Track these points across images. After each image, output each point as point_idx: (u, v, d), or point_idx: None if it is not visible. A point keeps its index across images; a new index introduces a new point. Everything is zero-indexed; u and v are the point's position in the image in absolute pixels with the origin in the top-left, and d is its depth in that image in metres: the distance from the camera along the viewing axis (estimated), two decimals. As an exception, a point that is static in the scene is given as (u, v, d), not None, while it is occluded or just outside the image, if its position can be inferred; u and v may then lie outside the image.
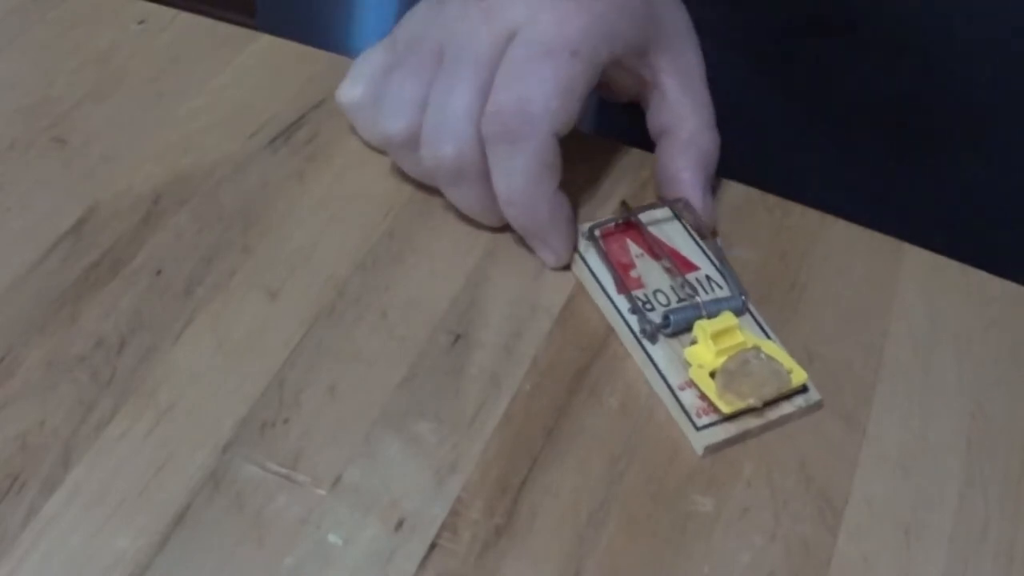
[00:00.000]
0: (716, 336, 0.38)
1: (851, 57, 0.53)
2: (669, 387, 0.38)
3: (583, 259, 0.42)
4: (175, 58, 0.50)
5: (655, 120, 0.44)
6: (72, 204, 0.44)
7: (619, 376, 0.39)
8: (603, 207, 0.44)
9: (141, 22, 0.52)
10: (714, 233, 0.44)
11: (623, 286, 0.40)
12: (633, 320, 0.40)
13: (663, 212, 0.43)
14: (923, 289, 0.43)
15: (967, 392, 0.39)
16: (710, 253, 0.42)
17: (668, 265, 0.41)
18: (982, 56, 0.51)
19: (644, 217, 0.43)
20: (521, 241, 0.43)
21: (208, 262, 0.42)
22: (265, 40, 0.51)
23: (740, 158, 0.46)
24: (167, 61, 0.50)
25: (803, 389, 0.38)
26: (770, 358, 0.38)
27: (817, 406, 0.38)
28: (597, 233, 0.42)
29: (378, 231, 0.43)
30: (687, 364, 0.38)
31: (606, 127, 0.48)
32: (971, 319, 0.42)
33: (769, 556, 0.35)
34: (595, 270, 0.41)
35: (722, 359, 0.38)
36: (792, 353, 0.40)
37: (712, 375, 0.38)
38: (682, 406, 0.38)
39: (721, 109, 0.44)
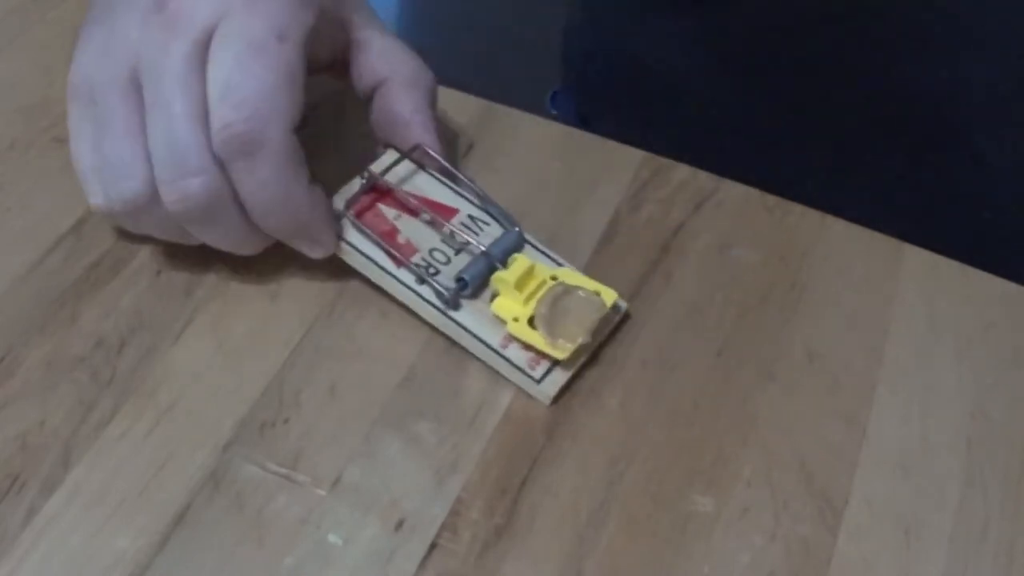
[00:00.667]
0: (518, 284, 0.37)
1: (853, 56, 0.52)
2: (491, 348, 0.37)
3: (347, 242, 0.39)
4: (175, 58, 0.50)
5: (365, 75, 0.42)
6: (72, 204, 0.44)
7: (620, 375, 0.39)
8: (601, 208, 0.44)
9: (141, 22, 0.52)
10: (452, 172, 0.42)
11: (398, 258, 0.39)
12: (426, 291, 0.38)
13: (404, 166, 0.41)
14: (923, 289, 0.43)
15: (967, 392, 0.39)
16: (464, 192, 0.41)
17: (429, 218, 0.40)
18: (983, 54, 0.51)
19: (389, 177, 0.41)
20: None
21: (208, 262, 0.42)
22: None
23: (741, 158, 0.47)
24: (167, 61, 0.50)
25: (615, 306, 0.38)
26: (577, 287, 0.37)
27: (628, 314, 0.38)
28: (351, 211, 0.40)
29: (378, 231, 0.43)
30: (499, 320, 0.37)
31: (597, 126, 0.48)
32: (971, 319, 0.42)
33: (769, 556, 0.35)
34: (364, 250, 0.39)
35: (532, 304, 0.37)
36: (792, 353, 0.40)
37: (531, 323, 0.37)
38: (513, 364, 0.37)
39: (721, 108, 0.44)
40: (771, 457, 0.37)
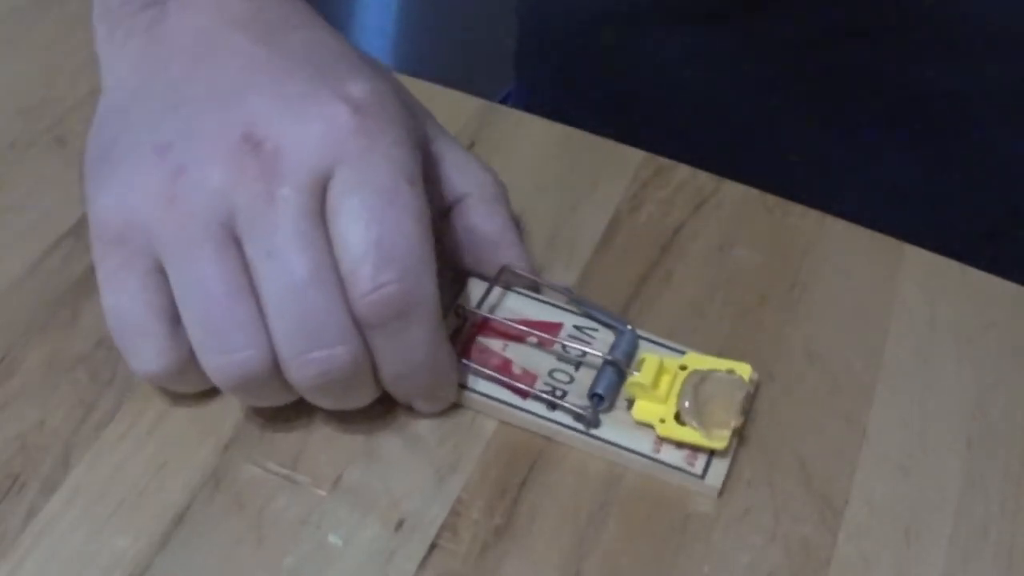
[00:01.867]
0: (654, 384, 0.36)
1: (872, 61, 0.52)
2: (644, 456, 0.36)
3: (465, 387, 0.37)
4: (175, 58, 0.50)
5: (444, 189, 0.38)
6: (72, 204, 0.43)
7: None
8: (601, 208, 0.44)
9: (141, 22, 0.52)
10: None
11: (523, 390, 0.37)
12: (561, 416, 0.36)
13: (495, 293, 0.39)
14: (923, 289, 0.43)
15: (967, 392, 0.39)
16: (560, 304, 0.39)
17: (536, 340, 0.38)
18: (1006, 56, 0.50)
19: (483, 306, 0.38)
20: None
21: (208, 262, 0.42)
22: (265, 40, 0.51)
23: (746, 158, 0.46)
24: (167, 61, 0.50)
25: (752, 379, 0.37)
26: (712, 370, 0.36)
27: (758, 383, 0.37)
28: (463, 360, 0.37)
29: (378, 231, 0.43)
30: (642, 425, 0.36)
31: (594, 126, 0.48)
32: (971, 319, 0.42)
33: (769, 556, 0.35)
34: (486, 391, 0.37)
35: (672, 401, 0.36)
36: (792, 353, 0.40)
37: (676, 419, 0.35)
38: (671, 466, 0.36)
39: (731, 112, 0.43)
40: (771, 457, 0.37)
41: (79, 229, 0.43)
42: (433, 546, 0.35)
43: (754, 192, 0.46)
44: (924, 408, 0.39)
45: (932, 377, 0.40)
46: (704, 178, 0.46)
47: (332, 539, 0.35)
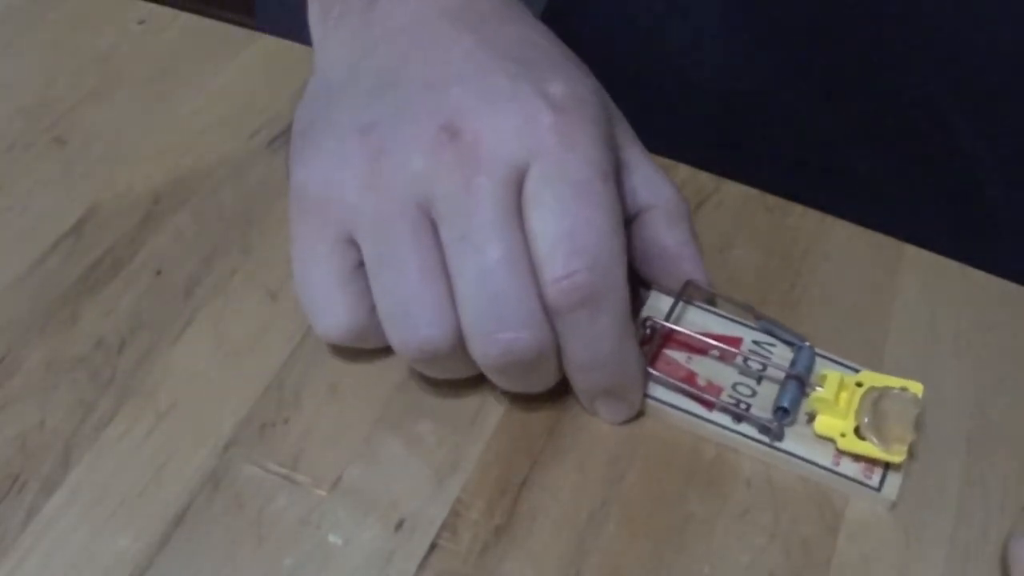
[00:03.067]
0: (835, 398, 0.37)
1: (847, 62, 0.52)
2: (824, 468, 0.36)
3: (652, 397, 0.38)
4: (175, 58, 0.50)
5: (628, 199, 0.39)
6: (72, 204, 0.44)
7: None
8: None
9: (141, 22, 0.52)
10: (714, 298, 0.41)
11: (710, 401, 0.37)
12: (746, 428, 0.37)
13: (679, 306, 0.39)
14: (923, 289, 0.43)
15: (967, 392, 0.39)
16: (741, 319, 0.40)
17: (718, 353, 0.39)
18: (977, 58, 0.50)
19: (668, 319, 0.39)
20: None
21: (208, 262, 0.42)
22: (265, 40, 0.51)
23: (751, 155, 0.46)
24: (167, 61, 0.50)
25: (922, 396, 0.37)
26: (887, 387, 0.37)
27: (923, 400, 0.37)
28: (648, 370, 0.38)
29: (378, 231, 0.43)
30: (822, 439, 0.37)
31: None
32: (971, 319, 0.42)
33: (769, 556, 0.35)
34: (673, 402, 0.38)
35: (851, 416, 0.36)
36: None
37: (857, 435, 0.36)
38: (849, 478, 0.36)
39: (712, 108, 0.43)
40: (771, 457, 0.37)
41: (79, 229, 0.43)
42: (433, 546, 0.35)
43: (754, 192, 0.46)
44: (924, 408, 0.39)
45: (932, 377, 0.40)
46: (704, 178, 0.46)
47: (332, 539, 0.35)
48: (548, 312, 0.34)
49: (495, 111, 0.34)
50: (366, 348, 0.38)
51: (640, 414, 0.38)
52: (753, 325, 0.40)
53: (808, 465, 0.37)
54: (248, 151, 0.46)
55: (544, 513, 0.36)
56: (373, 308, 0.36)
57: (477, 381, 0.39)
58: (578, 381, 0.36)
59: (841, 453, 0.36)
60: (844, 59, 0.51)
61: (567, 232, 0.33)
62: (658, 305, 0.39)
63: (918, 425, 0.36)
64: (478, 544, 0.35)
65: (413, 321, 0.34)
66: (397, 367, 0.39)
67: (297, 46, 0.51)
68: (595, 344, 0.35)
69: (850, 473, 0.36)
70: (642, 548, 0.35)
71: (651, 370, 0.38)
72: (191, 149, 0.46)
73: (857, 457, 0.36)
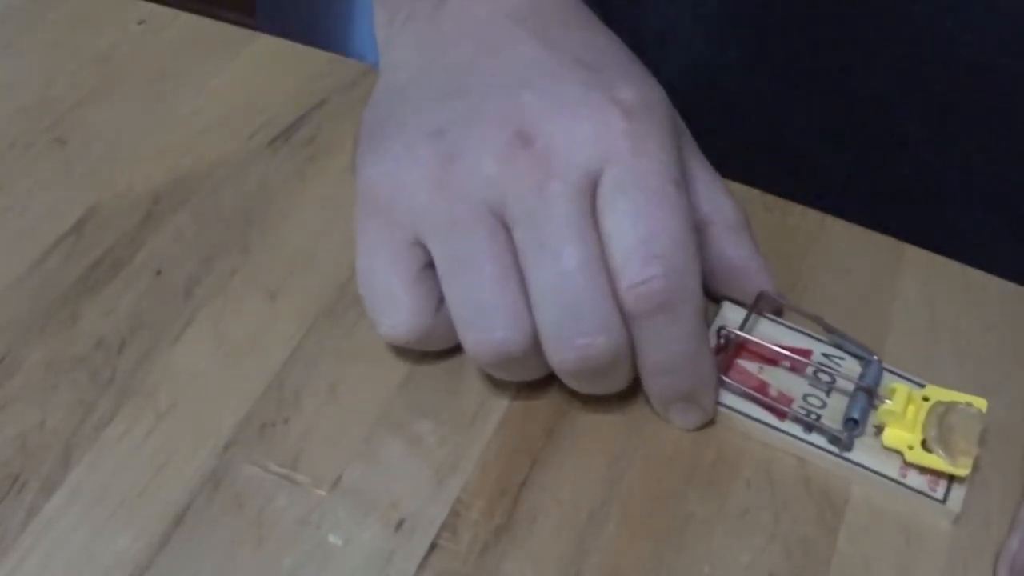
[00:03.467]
0: (904, 412, 0.37)
1: (807, 59, 0.53)
2: (891, 480, 0.37)
3: (724, 405, 0.38)
4: (175, 58, 0.50)
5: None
6: (72, 204, 0.44)
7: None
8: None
9: (141, 22, 0.52)
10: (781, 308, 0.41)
11: (781, 411, 0.38)
12: (817, 439, 0.37)
13: (752, 317, 0.40)
14: (923, 289, 0.43)
15: (967, 392, 0.39)
16: (807, 331, 0.40)
17: (789, 364, 0.39)
18: (932, 63, 0.51)
19: (742, 332, 0.39)
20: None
21: (208, 262, 0.42)
22: (265, 40, 0.51)
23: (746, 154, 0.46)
24: (167, 61, 0.50)
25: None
26: (953, 402, 0.37)
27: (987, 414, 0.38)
28: (722, 378, 0.38)
29: (378, 231, 0.43)
30: (890, 451, 0.37)
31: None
32: (971, 319, 0.42)
33: (769, 556, 0.35)
34: (745, 411, 0.38)
35: (919, 430, 0.37)
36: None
37: (923, 448, 0.37)
38: (915, 490, 0.36)
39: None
40: (771, 457, 0.37)
41: (79, 229, 0.43)
42: (433, 546, 0.35)
43: (755, 192, 0.46)
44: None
45: (932, 377, 0.40)
46: (704, 178, 0.46)
47: (332, 539, 0.35)
48: (624, 317, 0.34)
49: (567, 117, 0.34)
50: (430, 349, 0.38)
51: (711, 422, 0.38)
52: (822, 338, 0.40)
53: (876, 477, 0.37)
54: (248, 151, 0.46)
55: (544, 513, 0.36)
56: (437, 310, 0.36)
57: (477, 381, 0.39)
58: (653, 386, 0.36)
59: (908, 465, 0.37)
60: (810, 54, 0.51)
61: (643, 238, 0.33)
62: (730, 315, 0.40)
63: (982, 440, 0.37)
64: (478, 544, 0.35)
65: (489, 324, 0.34)
66: (397, 367, 0.39)
67: (297, 46, 0.51)
68: (671, 349, 0.35)
69: (916, 485, 0.36)
70: (642, 548, 0.35)
71: (724, 378, 0.38)
72: (191, 149, 0.46)
73: (923, 470, 0.37)
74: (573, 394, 0.38)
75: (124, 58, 0.50)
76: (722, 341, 0.39)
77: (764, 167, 0.46)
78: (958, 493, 0.36)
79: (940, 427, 0.37)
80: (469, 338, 0.35)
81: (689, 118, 0.44)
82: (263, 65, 0.50)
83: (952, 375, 0.40)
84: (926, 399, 0.38)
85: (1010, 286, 0.43)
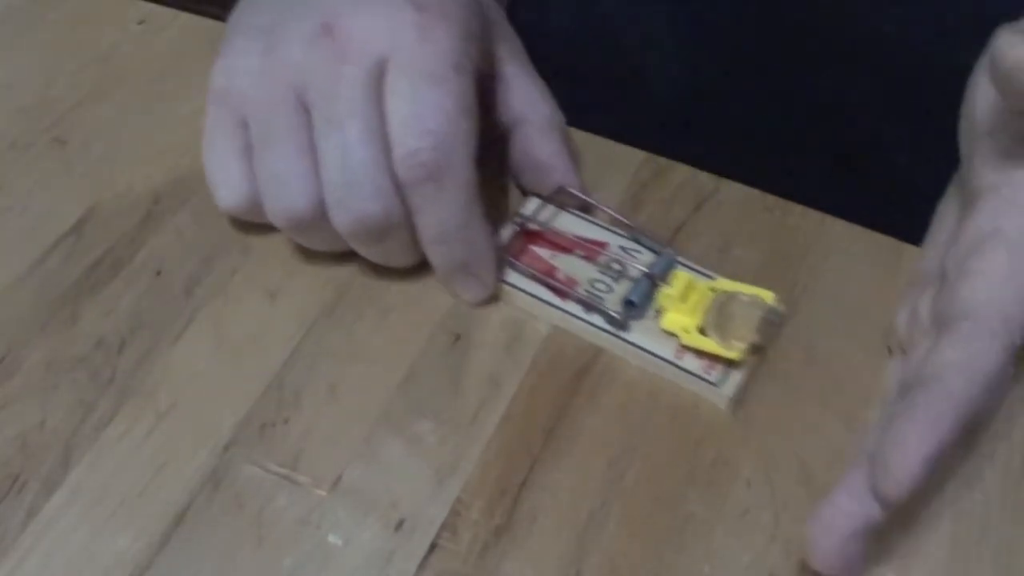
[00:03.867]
0: (683, 298, 0.39)
1: (778, 66, 0.53)
2: (667, 361, 0.39)
3: (509, 284, 0.41)
4: (175, 58, 0.50)
5: (504, 113, 0.43)
6: (72, 204, 0.44)
7: (619, 376, 0.39)
8: (604, 205, 0.44)
9: (141, 22, 0.52)
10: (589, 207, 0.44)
11: (563, 291, 0.40)
12: (595, 318, 0.40)
13: (550, 208, 0.43)
14: (923, 289, 0.43)
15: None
16: (609, 226, 0.43)
17: (583, 253, 0.41)
18: (903, 70, 0.51)
19: (537, 220, 0.42)
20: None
21: (208, 262, 0.42)
22: (265, 40, 0.51)
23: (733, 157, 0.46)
24: (167, 61, 0.50)
25: (774, 308, 0.40)
26: (737, 292, 0.39)
27: (784, 315, 0.40)
28: (507, 253, 0.41)
29: (378, 231, 0.43)
30: (667, 334, 0.39)
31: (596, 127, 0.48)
32: (971, 319, 0.42)
33: (769, 556, 0.35)
34: (527, 288, 0.41)
35: (698, 315, 0.39)
36: (792, 353, 0.40)
37: (700, 332, 0.39)
38: (690, 372, 0.38)
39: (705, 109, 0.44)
40: (771, 457, 0.37)
41: (79, 229, 0.43)
42: (433, 546, 0.35)
43: (755, 192, 0.46)
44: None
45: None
46: (704, 178, 0.46)
47: (332, 539, 0.35)
48: (399, 187, 0.38)
49: (365, 11, 0.38)
50: (259, 221, 0.41)
51: (496, 298, 0.41)
52: (623, 233, 0.42)
53: (652, 359, 0.39)
54: (248, 151, 0.46)
55: (544, 513, 0.36)
56: None
57: (477, 381, 0.39)
58: (432, 256, 0.40)
59: (685, 349, 0.39)
60: (781, 59, 0.53)
61: (416, 114, 0.37)
62: (531, 207, 0.43)
63: (767, 331, 0.39)
64: (478, 544, 0.35)
65: (283, 192, 0.38)
66: (397, 367, 0.39)
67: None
68: (441, 218, 0.38)
69: (691, 368, 0.39)
70: (642, 548, 0.35)
71: (511, 259, 0.41)
72: (191, 149, 0.46)
73: (700, 354, 0.39)
74: (573, 394, 0.38)
75: (124, 58, 0.50)
76: (518, 227, 0.42)
77: (744, 167, 0.47)
78: (734, 379, 0.38)
79: (720, 314, 0.39)
80: (268, 205, 0.39)
81: (671, 117, 0.44)
82: (263, 65, 0.50)
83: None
84: (713, 290, 0.39)
85: (1010, 286, 0.43)
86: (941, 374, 0.33)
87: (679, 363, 0.39)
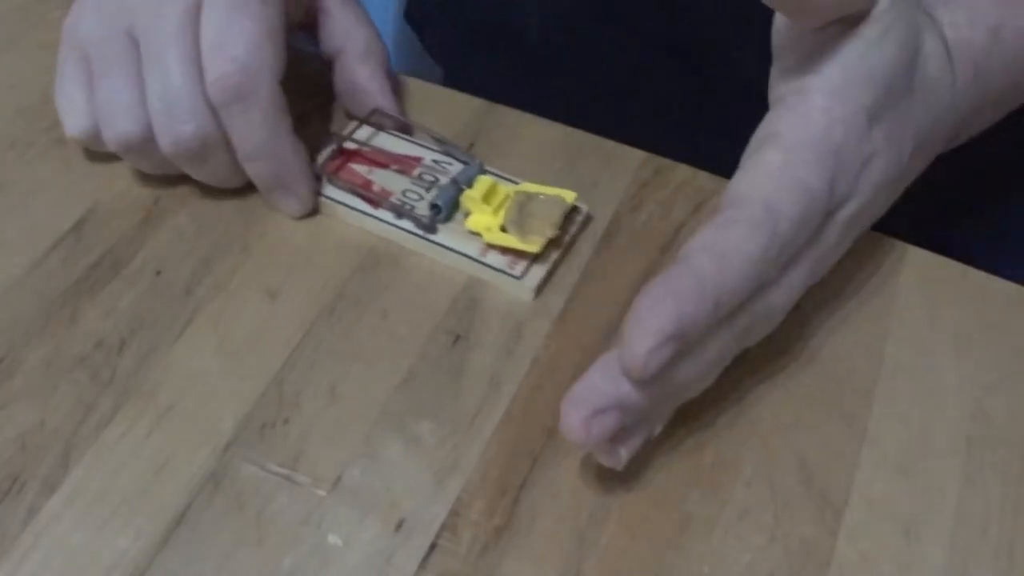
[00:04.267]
0: (486, 199, 0.42)
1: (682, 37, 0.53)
2: (472, 259, 0.42)
3: (326, 197, 0.44)
4: (175, 58, 0.50)
5: (327, 43, 0.47)
6: (72, 204, 0.44)
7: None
8: (601, 208, 0.44)
9: (141, 22, 0.52)
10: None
11: (376, 200, 0.43)
12: (406, 224, 0.43)
13: (368, 130, 0.46)
14: (923, 289, 0.43)
15: (967, 392, 0.39)
16: (424, 143, 0.46)
17: (398, 168, 0.44)
18: None
19: (355, 139, 0.45)
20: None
21: (208, 262, 0.42)
22: (265, 40, 0.51)
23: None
24: (167, 61, 0.50)
25: (576, 207, 0.43)
26: (539, 193, 0.42)
27: (588, 215, 0.44)
28: (326, 171, 0.44)
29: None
30: (473, 234, 0.42)
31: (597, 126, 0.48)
32: (971, 319, 0.42)
33: (769, 556, 0.35)
34: (345, 200, 0.43)
35: (501, 215, 0.42)
36: (792, 353, 0.40)
37: (502, 230, 0.41)
38: (494, 268, 0.41)
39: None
40: (771, 457, 0.37)
41: (79, 229, 0.43)
42: (433, 546, 0.35)
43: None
44: (924, 408, 0.39)
45: (932, 377, 0.40)
46: (704, 178, 0.46)
47: (332, 539, 0.35)
48: (213, 109, 0.41)
49: None
50: (102, 150, 0.44)
51: (316, 212, 0.44)
52: (437, 148, 0.45)
53: (459, 258, 0.42)
54: (248, 151, 0.46)
55: (544, 513, 0.36)
56: None
57: (477, 381, 0.39)
58: (249, 171, 0.43)
59: (489, 247, 0.42)
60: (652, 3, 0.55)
61: (222, 41, 0.41)
62: (349, 128, 0.46)
63: (564, 225, 0.42)
64: (478, 544, 0.35)
65: (116, 119, 0.42)
66: (397, 367, 0.39)
67: (297, 46, 0.51)
68: (250, 135, 0.41)
69: (495, 264, 0.42)
70: (642, 548, 0.35)
71: (327, 175, 0.44)
72: (191, 149, 0.46)
73: (505, 251, 0.42)
74: (573, 394, 0.38)
75: (124, 58, 0.50)
76: (335, 147, 0.45)
77: (626, 115, 0.49)
78: (537, 272, 0.41)
79: (520, 213, 0.42)
80: (104, 131, 0.42)
81: (549, 65, 0.48)
82: (263, 65, 0.50)
83: (952, 375, 0.40)
84: (517, 193, 0.42)
85: (1010, 286, 0.43)
86: (691, 255, 0.34)
87: (484, 260, 0.41)
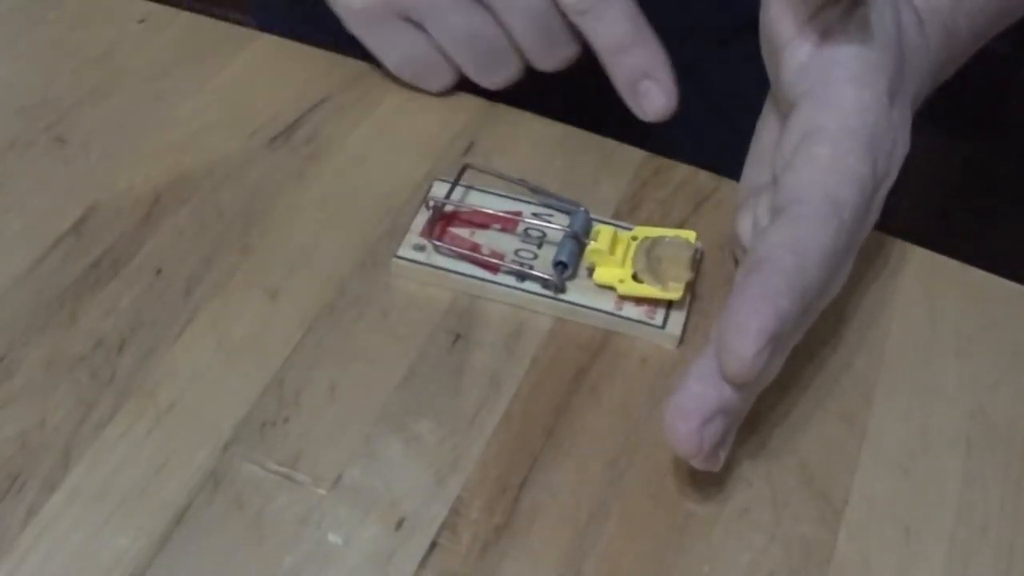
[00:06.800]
0: (611, 250, 0.40)
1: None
2: (608, 314, 0.40)
3: (439, 268, 0.41)
4: (175, 58, 0.50)
5: None
6: (72, 204, 0.44)
7: (620, 375, 0.39)
8: (601, 208, 0.44)
9: (141, 22, 0.52)
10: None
11: (493, 265, 0.41)
12: (531, 286, 0.41)
13: (460, 192, 0.44)
14: (924, 289, 0.43)
15: (967, 392, 0.39)
16: (518, 196, 0.44)
17: (500, 226, 0.43)
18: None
19: (450, 201, 0.43)
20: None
21: (208, 262, 0.42)
22: (265, 40, 0.51)
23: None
24: (167, 61, 0.50)
25: (697, 244, 0.41)
26: (661, 237, 0.41)
27: (701, 251, 0.42)
28: (431, 237, 0.42)
29: (378, 230, 0.43)
30: (604, 288, 0.40)
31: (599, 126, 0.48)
32: (971, 319, 0.42)
33: (769, 556, 0.35)
34: (458, 269, 0.41)
35: (628, 265, 0.40)
36: (792, 353, 0.40)
37: (635, 280, 0.40)
38: (633, 320, 0.40)
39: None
40: (771, 457, 0.37)
41: (79, 229, 0.43)
42: (433, 546, 0.35)
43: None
44: (924, 408, 0.39)
45: (932, 377, 0.40)
46: (704, 177, 0.46)
47: (332, 539, 0.35)
48: (572, 18, 0.43)
49: None
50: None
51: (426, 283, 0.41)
52: (533, 200, 0.44)
53: (594, 314, 0.40)
54: (248, 150, 0.46)
55: (544, 513, 0.36)
56: None
57: (477, 381, 0.39)
58: (615, 67, 0.44)
59: (623, 299, 0.40)
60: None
61: None
62: (440, 191, 0.43)
63: (695, 267, 0.41)
64: (478, 544, 0.35)
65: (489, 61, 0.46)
66: (397, 367, 0.39)
67: (297, 46, 0.51)
68: (617, 27, 0.43)
69: (633, 316, 0.40)
70: (642, 548, 0.35)
71: (437, 243, 0.41)
72: (191, 148, 0.46)
73: (639, 301, 0.40)
74: (573, 394, 0.38)
75: (124, 58, 0.50)
76: (431, 212, 0.42)
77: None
78: (677, 318, 0.40)
79: (648, 259, 0.40)
80: (468, 70, 0.47)
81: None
82: (263, 64, 0.50)
83: (952, 375, 0.40)
84: (635, 238, 0.41)
85: (1011, 286, 0.43)
86: (771, 254, 0.34)
87: (621, 313, 0.40)
